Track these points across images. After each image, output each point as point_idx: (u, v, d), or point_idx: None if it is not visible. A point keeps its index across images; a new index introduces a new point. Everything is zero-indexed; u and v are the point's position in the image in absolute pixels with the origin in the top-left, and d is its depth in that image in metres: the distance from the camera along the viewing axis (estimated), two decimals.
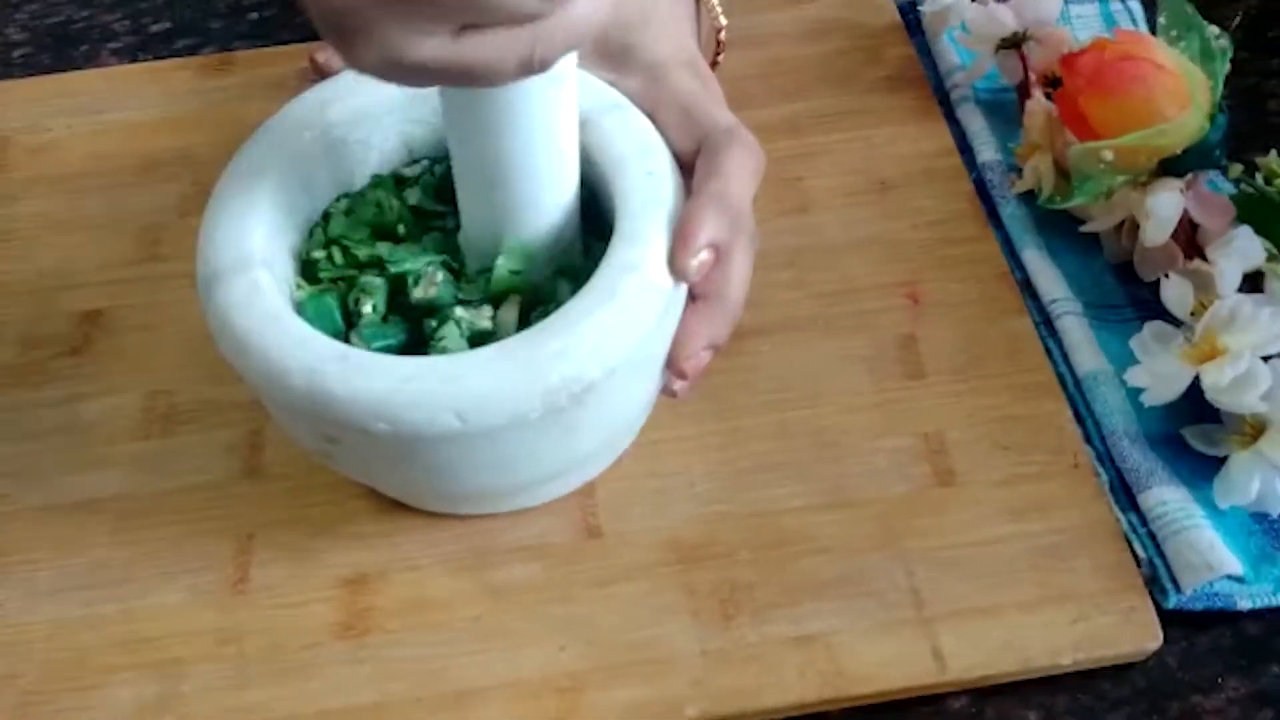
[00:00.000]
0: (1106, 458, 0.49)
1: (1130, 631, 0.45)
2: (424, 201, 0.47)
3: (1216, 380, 0.46)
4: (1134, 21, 0.64)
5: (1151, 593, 0.46)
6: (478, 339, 0.42)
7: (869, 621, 0.45)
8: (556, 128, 0.41)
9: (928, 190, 0.58)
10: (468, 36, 0.34)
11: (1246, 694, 0.45)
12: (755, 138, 0.45)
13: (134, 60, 0.68)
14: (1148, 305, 0.53)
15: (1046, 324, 0.54)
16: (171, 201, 0.59)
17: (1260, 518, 0.48)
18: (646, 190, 0.43)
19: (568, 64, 0.40)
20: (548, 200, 0.43)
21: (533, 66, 0.35)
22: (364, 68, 0.36)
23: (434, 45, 0.34)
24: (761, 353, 0.52)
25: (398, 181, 0.47)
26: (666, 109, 0.46)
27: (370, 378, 0.39)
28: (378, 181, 0.47)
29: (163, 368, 0.54)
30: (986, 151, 0.59)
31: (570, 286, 0.43)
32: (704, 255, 0.42)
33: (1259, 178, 0.52)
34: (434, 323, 0.43)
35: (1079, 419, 0.51)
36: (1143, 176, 0.52)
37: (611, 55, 0.47)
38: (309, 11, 0.36)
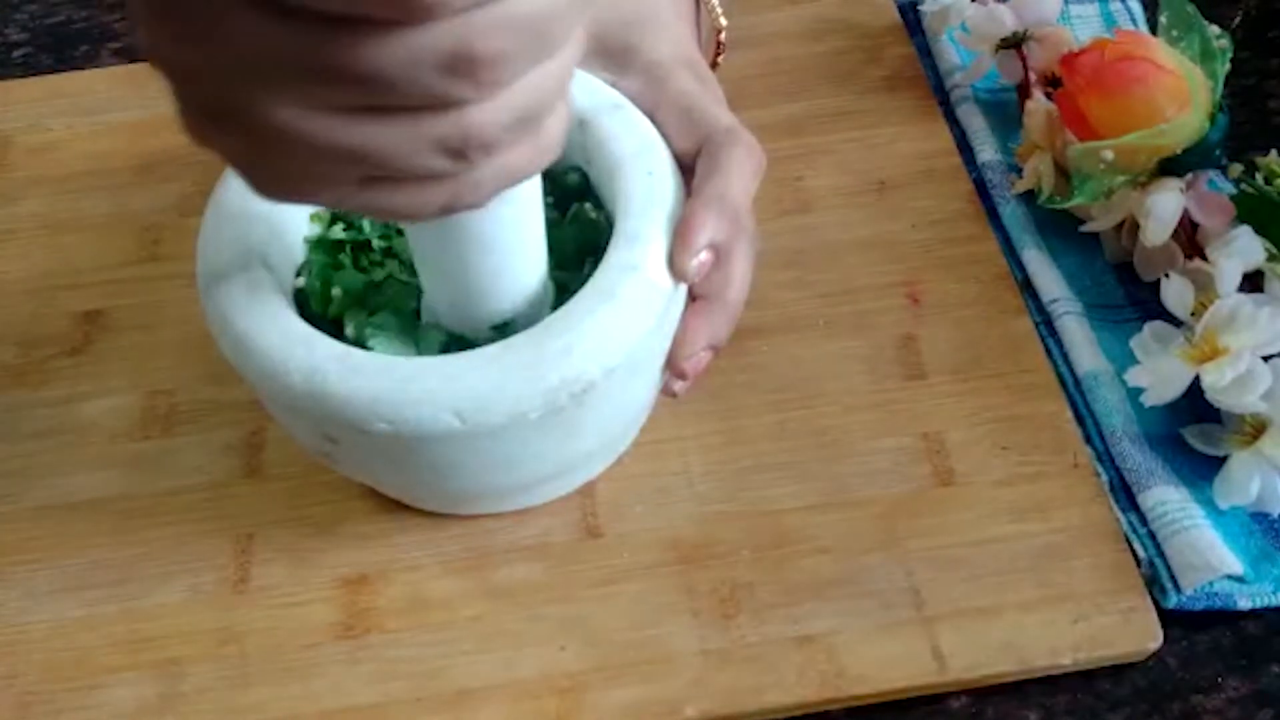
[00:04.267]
0: (1106, 458, 0.49)
1: (1130, 631, 0.45)
2: None
3: (1216, 380, 0.46)
4: (1134, 21, 0.64)
5: (1151, 593, 0.46)
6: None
7: (869, 621, 0.45)
8: (512, 242, 0.40)
9: (928, 190, 0.58)
10: (380, 189, 0.30)
11: (1246, 694, 0.45)
12: (755, 138, 0.45)
13: (134, 60, 0.68)
14: (1148, 305, 0.53)
15: (1046, 324, 0.54)
16: (171, 201, 0.59)
17: (1260, 517, 0.48)
18: (646, 190, 0.43)
19: (526, 186, 0.38)
20: (507, 292, 0.42)
21: (457, 208, 0.31)
22: (272, 198, 0.31)
23: (344, 193, 0.30)
24: (761, 353, 0.52)
25: None
26: (667, 109, 0.46)
27: (370, 378, 0.39)
28: None
29: (163, 368, 0.54)
30: (986, 151, 0.59)
31: None
32: (704, 255, 0.42)
33: (1259, 178, 0.52)
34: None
35: (1079, 419, 0.51)
36: (1143, 176, 0.52)
37: (612, 55, 0.47)
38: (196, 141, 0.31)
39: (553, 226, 0.46)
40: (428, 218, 0.32)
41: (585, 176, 0.47)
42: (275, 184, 0.31)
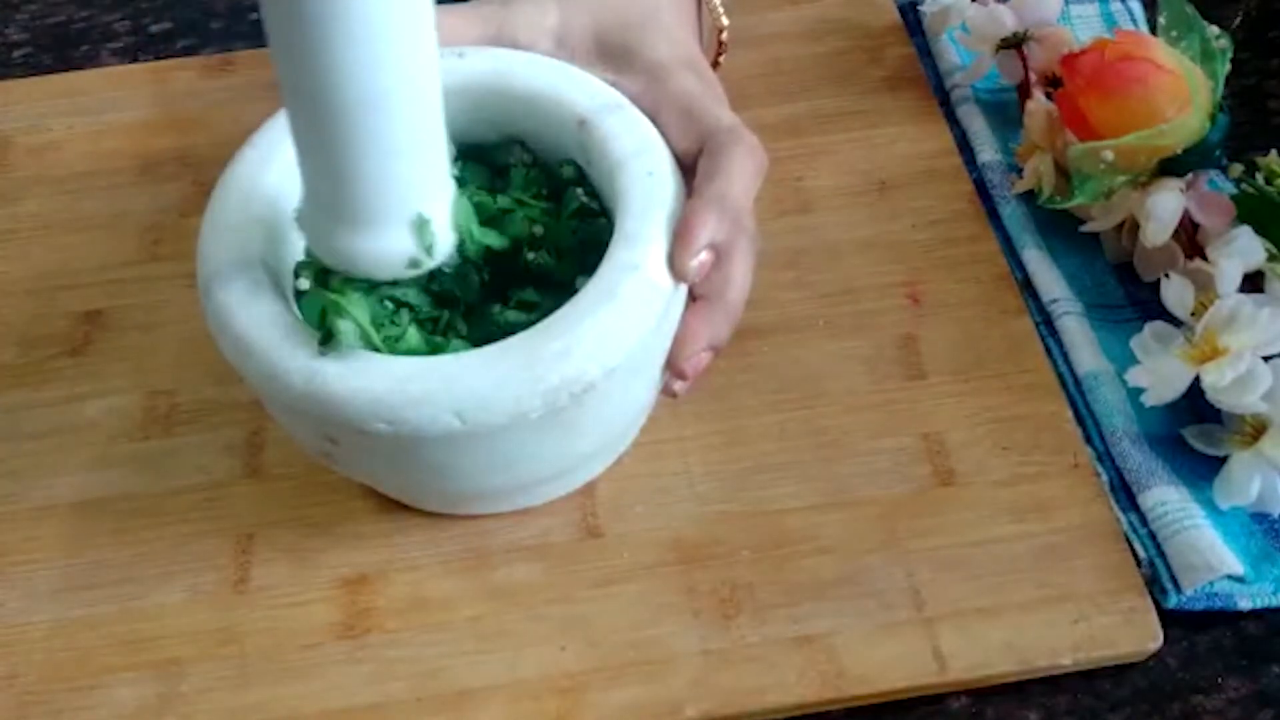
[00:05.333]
0: (1106, 458, 0.49)
1: (1130, 631, 0.45)
2: None
3: (1217, 380, 0.46)
4: (1134, 21, 0.64)
5: (1151, 593, 0.46)
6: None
7: (869, 621, 0.45)
8: (400, 30, 0.35)
9: (928, 190, 0.58)
10: None
11: (1247, 694, 0.45)
12: (756, 138, 0.45)
13: (134, 60, 0.68)
14: (1148, 305, 0.53)
15: (1046, 324, 0.54)
16: (171, 201, 0.59)
17: (1260, 518, 0.48)
18: (647, 190, 0.43)
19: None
20: (402, 129, 0.37)
21: None
22: None
23: None
24: (762, 353, 0.52)
25: None
26: (668, 109, 0.46)
27: (370, 378, 0.39)
28: None
29: (163, 368, 0.54)
30: (986, 151, 0.59)
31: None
32: (704, 256, 0.42)
33: (1259, 178, 0.52)
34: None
35: (1079, 419, 0.51)
36: (1143, 176, 0.52)
37: (613, 56, 0.47)
38: None
39: (550, 221, 0.46)
40: None
41: (579, 169, 0.46)
42: None
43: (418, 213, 0.39)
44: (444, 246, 0.41)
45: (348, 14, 0.34)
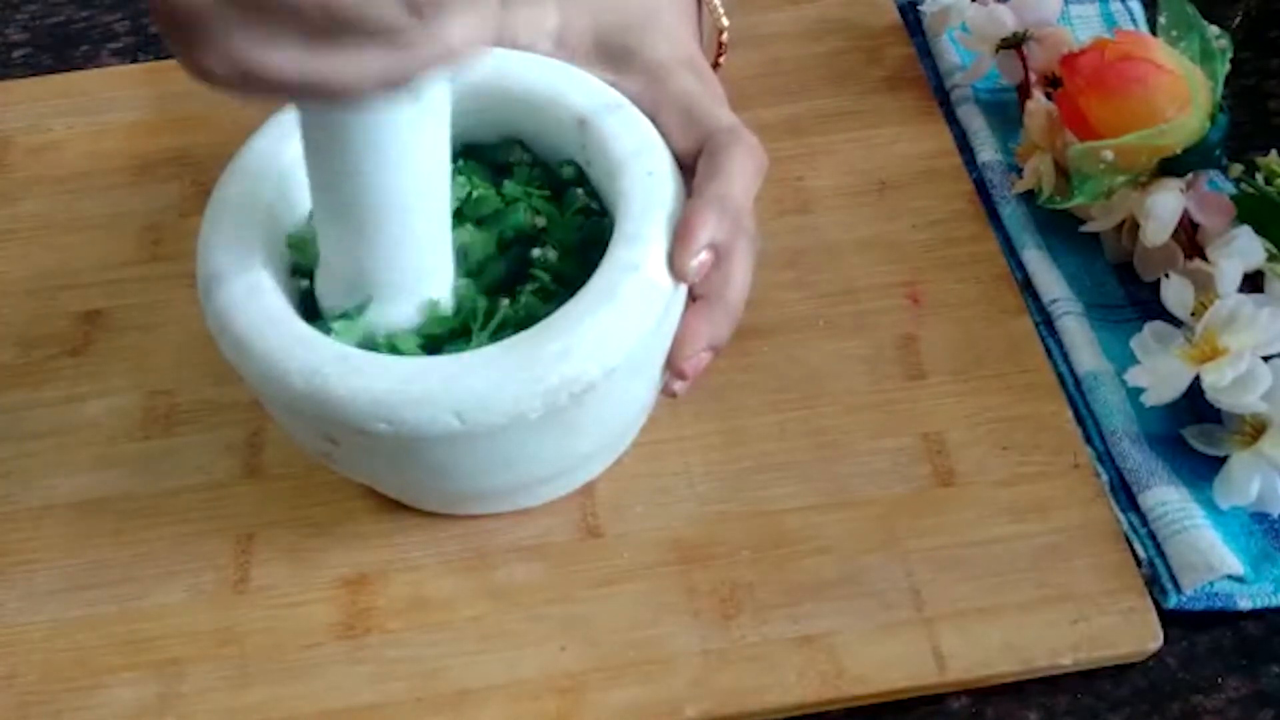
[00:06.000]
0: (1106, 458, 0.49)
1: (1130, 631, 0.45)
2: None
3: (1217, 380, 0.46)
4: (1134, 21, 0.64)
5: (1151, 593, 0.46)
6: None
7: (869, 622, 0.45)
8: (422, 160, 0.39)
9: (928, 190, 0.58)
10: (325, 48, 0.32)
11: (1246, 694, 0.45)
12: (757, 138, 0.45)
13: (134, 60, 0.68)
14: (1148, 305, 0.53)
15: (1046, 324, 0.54)
16: (171, 201, 0.59)
17: (1260, 518, 0.48)
18: (647, 190, 0.43)
19: (440, 93, 0.38)
20: (418, 231, 0.41)
21: (397, 84, 0.33)
22: (211, 78, 0.33)
23: (287, 56, 0.32)
24: (761, 353, 0.52)
25: None
26: (668, 110, 0.46)
27: (370, 378, 0.39)
28: None
29: (163, 368, 0.54)
30: (986, 151, 0.59)
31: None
32: (704, 256, 0.42)
33: (1259, 178, 0.52)
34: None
35: (1079, 419, 0.51)
36: (1143, 176, 0.52)
37: (612, 56, 0.47)
38: (153, 14, 0.33)
39: (553, 213, 0.46)
40: (366, 97, 0.33)
41: (579, 170, 0.47)
42: (224, 48, 0.32)
43: (428, 298, 0.43)
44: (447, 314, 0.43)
45: (383, 143, 0.38)
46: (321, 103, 0.35)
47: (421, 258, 0.42)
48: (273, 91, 0.33)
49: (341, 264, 0.42)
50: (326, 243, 0.42)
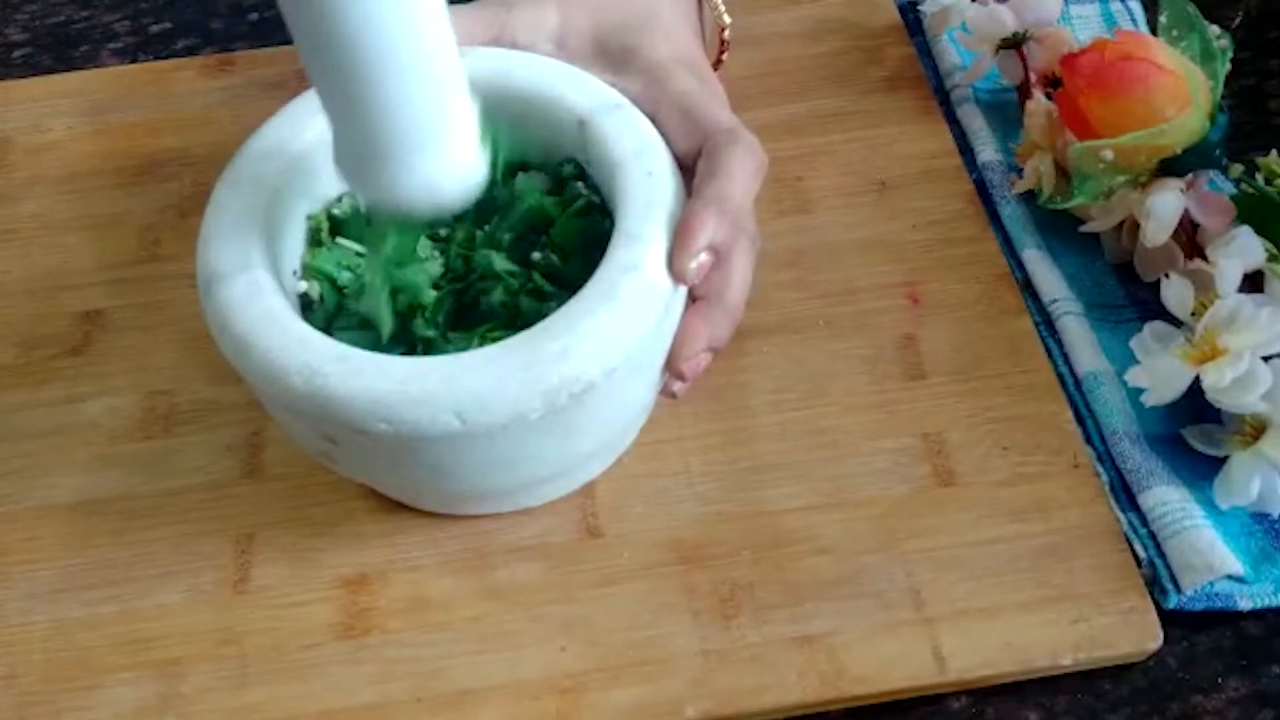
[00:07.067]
0: (1106, 458, 0.49)
1: (1130, 631, 0.45)
2: None
3: (1217, 380, 0.46)
4: (1134, 21, 0.64)
5: (1151, 593, 0.46)
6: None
7: (869, 621, 0.45)
8: (414, 7, 0.37)
9: (928, 190, 0.58)
10: None
11: (1246, 694, 0.45)
12: (756, 138, 0.45)
13: (134, 60, 0.68)
14: (1148, 305, 0.53)
15: (1046, 324, 0.54)
16: (171, 201, 0.59)
17: (1260, 518, 0.48)
18: (647, 190, 0.43)
19: None
20: (423, 97, 0.39)
21: None
22: None
23: None
24: (761, 353, 0.52)
25: None
26: (668, 110, 0.46)
27: (370, 378, 0.39)
28: None
29: (163, 368, 0.54)
30: (986, 151, 0.59)
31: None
32: (703, 257, 0.42)
33: (1259, 178, 0.52)
34: None
35: (1079, 419, 0.51)
36: (1143, 176, 0.52)
37: (612, 57, 0.48)
38: None
39: (556, 210, 0.46)
40: None
41: (579, 167, 0.47)
42: None
43: (451, 157, 0.40)
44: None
45: None
46: None
47: (429, 113, 0.39)
48: None
49: (347, 132, 0.40)
50: (330, 113, 0.40)
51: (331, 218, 0.46)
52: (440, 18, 0.38)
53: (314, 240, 0.46)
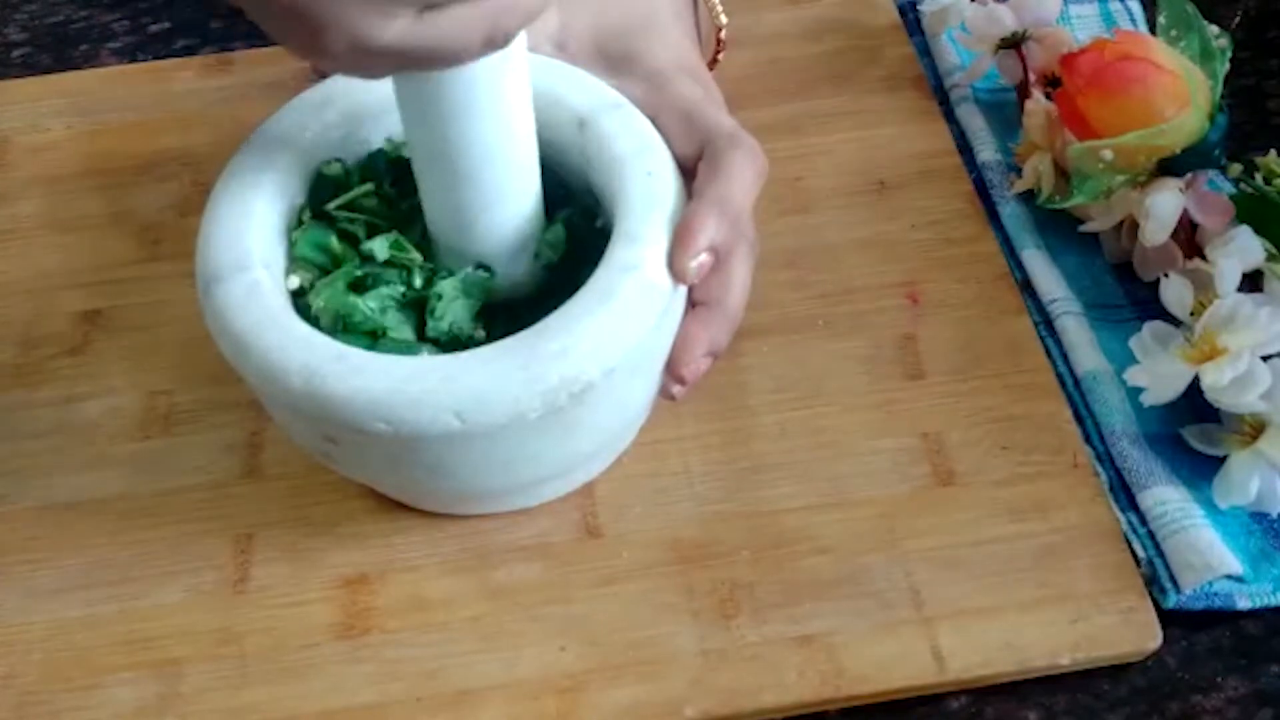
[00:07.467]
0: (1106, 458, 0.49)
1: (1130, 631, 0.45)
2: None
3: (1216, 380, 0.46)
4: (1134, 21, 0.64)
5: (1151, 593, 0.46)
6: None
7: (869, 621, 0.45)
8: (514, 109, 0.41)
9: (927, 190, 0.58)
10: (431, 15, 0.34)
11: (1246, 694, 0.45)
12: (757, 142, 0.45)
13: (134, 60, 0.68)
14: (1147, 305, 0.53)
15: (1046, 324, 0.54)
16: (171, 201, 0.59)
17: (1260, 517, 0.48)
18: (646, 190, 0.43)
19: (519, 45, 0.40)
20: (513, 187, 0.43)
21: (497, 41, 0.35)
22: (331, 60, 0.35)
23: (399, 27, 0.34)
24: (761, 353, 0.52)
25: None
26: (668, 114, 0.46)
27: (370, 378, 0.39)
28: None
29: (163, 368, 0.54)
30: (986, 151, 0.59)
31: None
32: (704, 257, 0.42)
33: (1259, 177, 0.52)
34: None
35: (1079, 419, 0.51)
36: (1142, 176, 0.52)
37: (612, 60, 0.48)
38: (257, 15, 0.35)
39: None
40: (472, 56, 0.36)
41: (586, 176, 0.47)
42: (340, 28, 0.34)
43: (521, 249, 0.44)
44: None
45: (476, 96, 0.39)
46: (428, 68, 0.37)
47: (519, 204, 0.43)
48: (388, 66, 0.36)
49: (446, 228, 0.44)
50: (429, 208, 0.44)
51: (319, 178, 0.46)
52: (530, 122, 0.42)
53: (296, 226, 0.46)
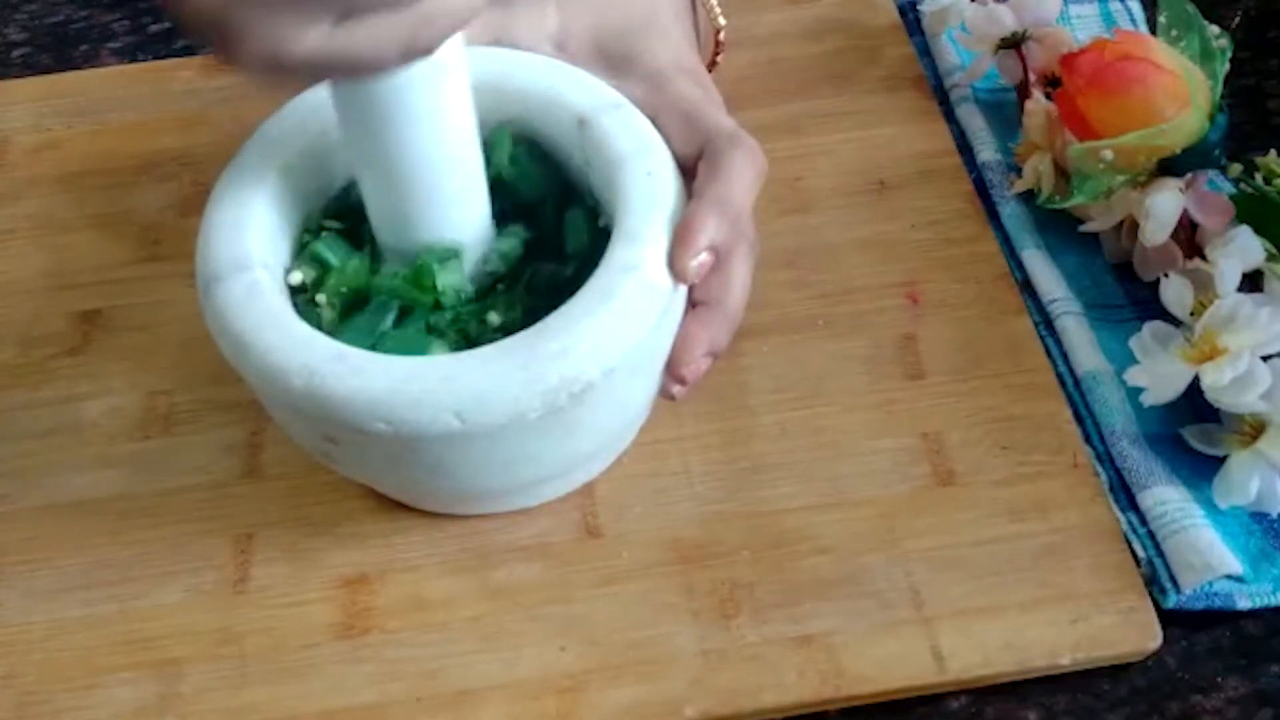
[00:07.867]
0: (1106, 458, 0.49)
1: (1130, 631, 0.45)
2: None
3: (1216, 380, 0.46)
4: (1134, 21, 0.64)
5: (1151, 593, 0.46)
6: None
7: (869, 621, 0.45)
8: (449, 114, 0.41)
9: (927, 190, 0.58)
10: (347, 25, 0.34)
11: (1246, 694, 0.45)
12: (757, 142, 0.45)
13: (133, 60, 0.68)
14: (1147, 305, 0.53)
15: (1046, 324, 0.54)
16: (171, 201, 0.59)
17: (1260, 517, 0.48)
18: (646, 190, 0.43)
19: (455, 53, 0.40)
20: (451, 191, 0.43)
21: (416, 51, 0.36)
22: (246, 68, 0.35)
23: (314, 37, 0.34)
24: (761, 353, 0.52)
25: None
26: (668, 114, 0.46)
27: (369, 378, 0.39)
28: None
29: (163, 368, 0.54)
30: (986, 151, 0.59)
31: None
32: (704, 256, 0.42)
33: (1259, 177, 0.52)
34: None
35: (1079, 419, 0.51)
36: (1142, 176, 0.52)
37: (612, 62, 0.48)
38: (178, 17, 0.35)
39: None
40: (390, 66, 0.36)
41: (586, 176, 0.47)
42: (254, 40, 0.34)
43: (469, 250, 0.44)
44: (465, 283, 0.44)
45: (408, 103, 0.40)
46: (349, 78, 0.38)
47: (460, 209, 0.44)
48: (304, 76, 0.37)
49: (387, 231, 0.44)
50: (371, 210, 0.44)
51: (325, 208, 0.46)
52: (472, 129, 0.43)
53: (306, 229, 0.46)
